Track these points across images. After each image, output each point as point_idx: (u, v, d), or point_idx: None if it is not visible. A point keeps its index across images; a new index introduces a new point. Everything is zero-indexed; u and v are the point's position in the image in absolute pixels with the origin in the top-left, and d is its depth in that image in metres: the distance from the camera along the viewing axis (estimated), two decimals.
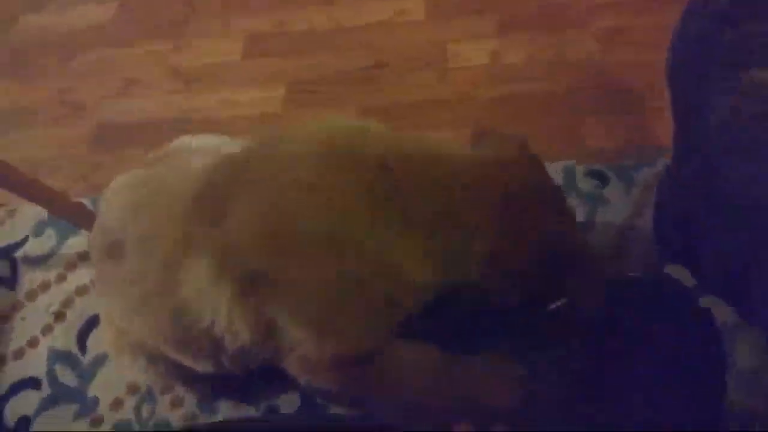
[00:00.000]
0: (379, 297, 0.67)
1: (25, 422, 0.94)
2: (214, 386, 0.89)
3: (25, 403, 0.96)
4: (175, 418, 0.91)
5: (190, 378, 0.88)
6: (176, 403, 0.92)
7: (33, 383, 0.97)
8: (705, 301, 0.76)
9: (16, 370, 0.99)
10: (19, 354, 1.01)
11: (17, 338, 1.02)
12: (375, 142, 0.68)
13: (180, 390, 0.91)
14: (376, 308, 0.67)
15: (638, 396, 0.66)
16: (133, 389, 0.94)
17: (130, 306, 0.76)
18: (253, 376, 0.89)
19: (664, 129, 1.03)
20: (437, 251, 0.67)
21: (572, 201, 0.98)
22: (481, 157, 0.70)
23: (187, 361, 0.78)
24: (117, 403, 0.93)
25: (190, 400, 0.91)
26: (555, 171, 1.01)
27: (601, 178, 1.00)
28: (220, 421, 0.86)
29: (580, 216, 0.96)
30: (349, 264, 0.65)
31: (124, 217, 0.75)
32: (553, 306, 0.80)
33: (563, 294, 0.73)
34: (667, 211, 0.84)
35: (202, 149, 0.77)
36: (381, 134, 0.70)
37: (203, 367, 0.77)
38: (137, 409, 0.92)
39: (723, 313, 0.78)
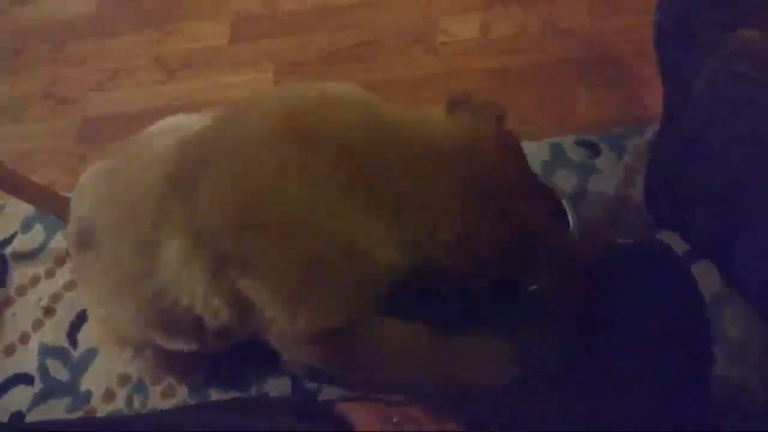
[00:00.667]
0: (346, 275, 0.66)
1: (18, 418, 0.94)
2: (204, 372, 0.89)
3: (18, 399, 0.96)
4: (167, 407, 0.90)
5: (179, 367, 0.88)
6: (168, 393, 0.91)
7: (25, 379, 0.97)
8: (697, 268, 0.74)
9: (7, 367, 0.99)
10: (10, 350, 1.01)
11: (8, 334, 1.02)
12: (341, 117, 0.66)
13: (170, 379, 0.90)
14: (344, 286, 0.67)
15: (626, 367, 0.64)
16: (124, 380, 0.93)
17: (109, 294, 0.75)
18: (243, 361, 0.89)
19: (655, 97, 1.00)
20: (402, 235, 0.66)
21: (563, 173, 0.96)
22: (450, 136, 0.68)
23: (173, 344, 0.77)
24: (109, 395, 0.93)
25: (181, 389, 0.91)
26: (545, 143, 0.99)
27: (592, 148, 0.97)
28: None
29: (571, 187, 0.94)
30: (314, 244, 0.64)
31: (95, 207, 0.75)
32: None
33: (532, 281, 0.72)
34: (658, 178, 0.82)
35: (170, 131, 0.75)
36: (348, 107, 0.68)
37: (189, 347, 0.77)
38: (129, 400, 0.92)
39: (712, 282, 0.76)
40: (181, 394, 0.90)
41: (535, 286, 0.77)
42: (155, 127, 0.79)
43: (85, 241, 0.75)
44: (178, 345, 0.78)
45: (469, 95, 0.72)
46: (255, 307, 0.66)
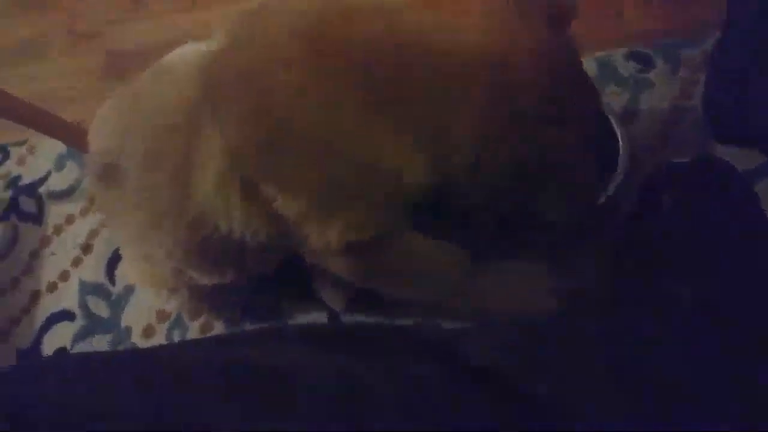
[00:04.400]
0: (373, 192, 0.65)
1: (63, 353, 0.95)
2: (240, 307, 0.88)
3: (61, 335, 0.97)
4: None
5: (215, 302, 0.87)
6: (206, 328, 0.91)
7: (67, 315, 0.98)
8: (762, 186, 0.67)
9: (50, 304, 1.00)
10: (52, 287, 1.01)
11: (49, 273, 1.03)
12: (362, 31, 0.62)
13: (207, 315, 0.90)
14: (372, 201, 0.65)
15: (680, 295, 0.60)
16: (163, 316, 0.93)
17: (143, 228, 0.73)
18: (279, 296, 0.88)
19: (714, 2, 0.91)
20: (425, 154, 0.63)
21: (613, 89, 0.89)
22: (479, 48, 0.61)
23: (210, 276, 0.76)
24: (149, 331, 0.93)
25: (219, 324, 0.90)
26: (592, 58, 0.91)
27: (645, 61, 0.89)
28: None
29: (622, 104, 0.87)
30: (339, 164, 0.63)
31: (118, 139, 0.72)
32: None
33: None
34: (719, 84, 0.75)
35: (185, 58, 0.72)
36: (369, 19, 0.62)
37: (227, 277, 0.76)
38: (168, 336, 0.92)
39: None
40: (219, 329, 0.90)
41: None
42: (169, 57, 0.75)
43: (111, 175, 0.73)
44: (216, 277, 0.76)
45: None
46: (290, 224, 0.66)
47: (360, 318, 0.85)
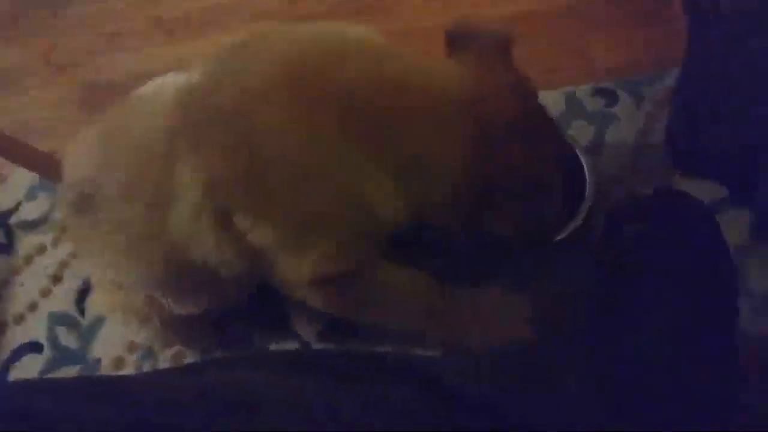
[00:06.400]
0: (350, 226, 0.66)
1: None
2: (211, 338, 0.88)
3: (28, 367, 0.95)
4: None
5: (187, 333, 0.86)
6: (177, 359, 0.90)
7: (35, 347, 0.97)
8: (722, 218, 0.70)
9: (17, 335, 0.99)
10: (19, 319, 1.00)
11: (17, 303, 1.01)
12: (345, 71, 0.64)
13: (178, 345, 0.89)
14: (348, 235, 0.67)
15: (648, 318, 0.62)
16: (133, 347, 0.92)
17: (116, 256, 0.73)
18: (251, 326, 0.88)
19: (675, 39, 0.95)
20: (404, 190, 0.66)
21: (580, 123, 0.92)
22: (455, 89, 0.65)
23: (183, 304, 0.77)
24: (118, 362, 0.92)
25: (190, 354, 0.89)
26: (560, 92, 0.94)
27: (610, 96, 0.92)
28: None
29: (588, 137, 0.90)
30: (320, 199, 0.65)
31: (94, 170, 0.72)
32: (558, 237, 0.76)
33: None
34: (682, 115, 0.78)
35: (162, 89, 0.73)
36: (352, 58, 0.65)
37: (200, 306, 0.77)
38: (139, 367, 0.90)
39: (738, 233, 0.73)
40: (190, 359, 0.89)
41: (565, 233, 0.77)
42: (145, 89, 0.76)
43: (85, 205, 0.74)
44: (190, 305, 0.77)
45: (470, 26, 0.70)
46: (264, 256, 0.67)
47: (332, 347, 0.84)
